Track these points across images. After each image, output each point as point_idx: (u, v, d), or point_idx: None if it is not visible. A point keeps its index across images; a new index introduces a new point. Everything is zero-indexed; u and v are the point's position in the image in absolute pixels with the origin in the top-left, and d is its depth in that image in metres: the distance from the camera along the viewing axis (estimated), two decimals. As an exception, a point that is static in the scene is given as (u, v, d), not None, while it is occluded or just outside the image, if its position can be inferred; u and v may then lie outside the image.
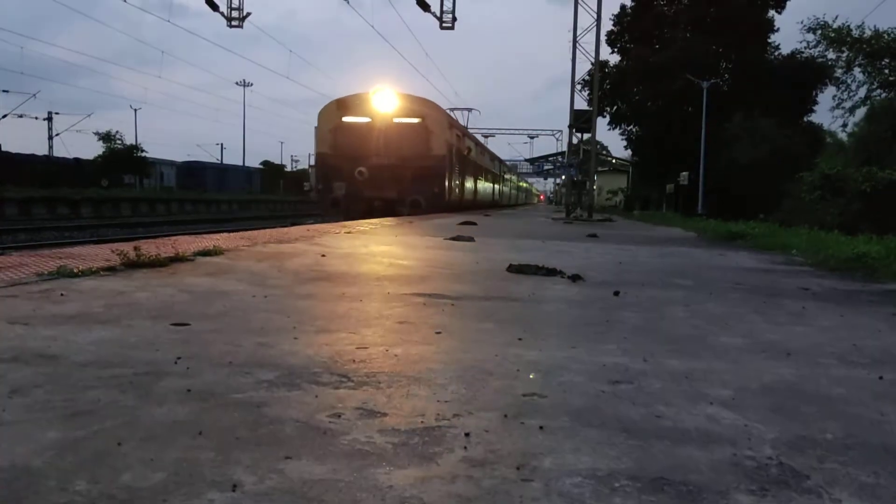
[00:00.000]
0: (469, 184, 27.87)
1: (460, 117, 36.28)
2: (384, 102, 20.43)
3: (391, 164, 20.08)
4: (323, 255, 6.06)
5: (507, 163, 62.81)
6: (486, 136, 73.64)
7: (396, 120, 20.32)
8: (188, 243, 6.32)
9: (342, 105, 20.88)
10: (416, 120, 20.43)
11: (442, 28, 21.04)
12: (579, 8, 20.19)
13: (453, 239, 8.86)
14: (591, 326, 3.32)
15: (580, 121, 21.84)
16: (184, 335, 2.72)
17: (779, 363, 2.70)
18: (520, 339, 2.93)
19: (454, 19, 21.12)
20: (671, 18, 42.86)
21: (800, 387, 2.36)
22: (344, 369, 2.33)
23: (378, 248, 6.95)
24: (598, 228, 14.99)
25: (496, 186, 42.82)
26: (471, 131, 43.36)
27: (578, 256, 7.42)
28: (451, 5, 20.85)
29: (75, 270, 4.15)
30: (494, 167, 41.43)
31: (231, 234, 8.01)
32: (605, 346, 2.87)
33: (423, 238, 9.01)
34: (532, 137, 79.87)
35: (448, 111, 28.30)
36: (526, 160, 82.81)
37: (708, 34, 39.48)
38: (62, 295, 3.44)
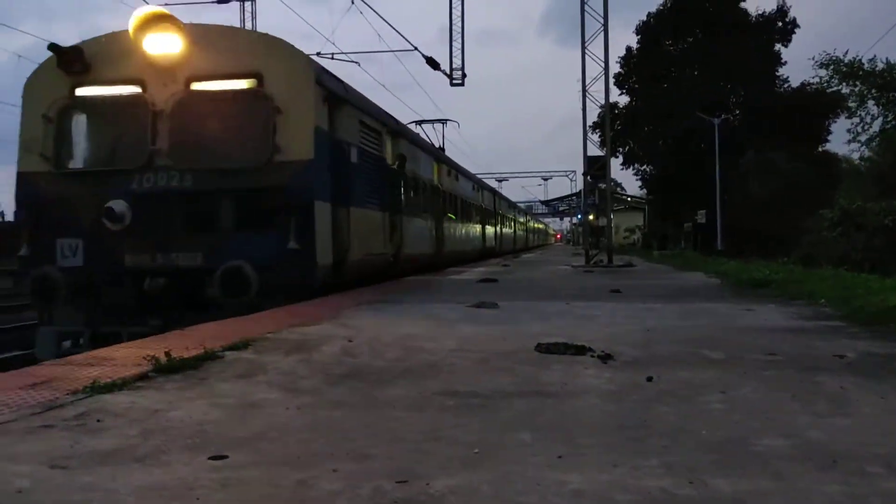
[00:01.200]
0: (418, 226, 16.93)
1: (432, 134, 25.66)
2: (167, 46, 9.69)
3: (185, 189, 9.63)
4: (350, 341, 6.06)
5: (521, 204, 62.02)
6: (499, 181, 74.27)
7: (198, 86, 9.86)
8: (215, 334, 6.35)
9: (73, 61, 9.99)
10: (242, 83, 9.90)
11: (452, 85, 21.41)
12: (587, 57, 20.41)
13: (477, 306, 8.85)
14: (628, 431, 3.28)
15: (594, 167, 21.93)
16: (223, 474, 2.71)
17: (826, 475, 2.64)
18: (559, 456, 2.89)
19: (464, 75, 21.50)
20: (677, 58, 43.31)
21: (853, 513, 2.30)
22: (386, 515, 2.30)
23: (404, 329, 6.93)
24: (621, 278, 14.93)
25: (489, 228, 32.06)
26: (482, 177, 39.13)
27: (604, 323, 7.37)
28: (460, 62, 21.21)
29: (108, 383, 4.17)
30: (482, 199, 30.15)
31: (254, 315, 8.05)
32: (647, 461, 2.82)
33: (446, 307, 9.01)
34: (546, 179, 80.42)
35: (390, 113, 15.51)
36: (541, 202, 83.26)
37: (715, 71, 39.82)
38: (98, 421, 3.46)
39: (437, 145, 24.56)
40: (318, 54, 22.08)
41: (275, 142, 9.63)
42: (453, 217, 22.34)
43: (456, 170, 23.98)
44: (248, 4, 25.06)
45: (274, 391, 4.18)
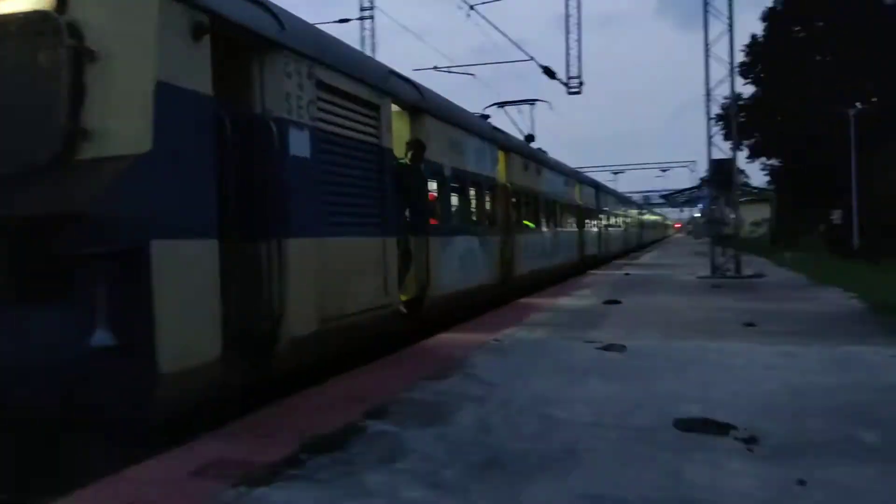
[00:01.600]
0: (463, 247, 11.71)
1: (516, 118, 22.08)
2: None
3: None
4: (482, 406, 6.14)
5: (636, 196, 60.07)
6: (615, 174, 72.87)
7: None
8: (351, 393, 6.57)
9: None
10: (23, 3, 4.79)
11: (569, 93, 21.14)
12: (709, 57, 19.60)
13: (605, 349, 8.76)
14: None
15: (720, 172, 21.07)
16: None
17: None
18: None
19: (581, 83, 21.15)
20: (808, 44, 40.90)
21: None
22: None
23: (534, 387, 6.89)
24: (752, 299, 14.34)
25: (590, 231, 26.74)
26: (592, 172, 36.90)
27: (742, 378, 7.12)
28: (576, 70, 20.89)
29: (264, 475, 4.41)
30: (579, 196, 24.81)
31: (381, 361, 8.20)
32: None
33: (573, 347, 8.98)
34: (664, 170, 78.06)
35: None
36: (660, 195, 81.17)
37: (849, 58, 37.31)
38: (263, 532, 3.67)
39: (525, 133, 20.43)
40: (435, 68, 22.11)
41: (79, 119, 4.93)
42: (531, 225, 17.07)
43: (536, 161, 17.98)
44: (367, 23, 25.63)
45: (419, 487, 4.29)
